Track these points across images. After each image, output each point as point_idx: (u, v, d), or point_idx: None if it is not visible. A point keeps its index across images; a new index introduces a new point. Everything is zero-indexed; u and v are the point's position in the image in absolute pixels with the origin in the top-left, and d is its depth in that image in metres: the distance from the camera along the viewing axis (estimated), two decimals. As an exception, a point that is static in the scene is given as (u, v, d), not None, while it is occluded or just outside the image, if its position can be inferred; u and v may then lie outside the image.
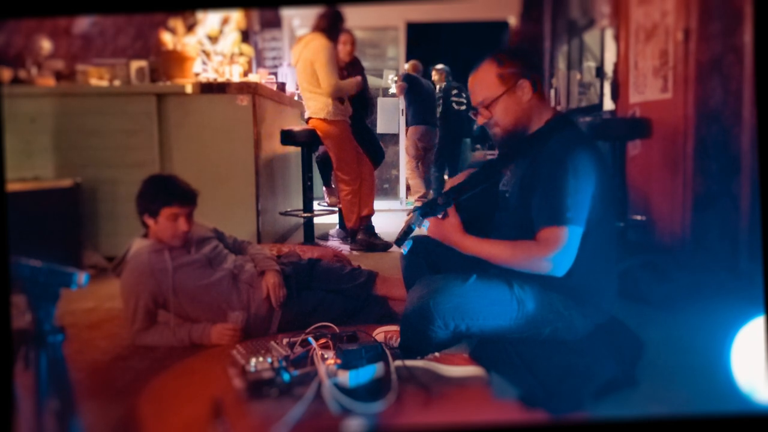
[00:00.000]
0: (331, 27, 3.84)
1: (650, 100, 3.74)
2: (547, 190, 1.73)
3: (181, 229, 2.21)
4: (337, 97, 3.85)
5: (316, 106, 3.85)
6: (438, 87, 6.28)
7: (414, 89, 5.90)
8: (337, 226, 4.43)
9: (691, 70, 3.28)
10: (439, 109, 6.22)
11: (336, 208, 4.40)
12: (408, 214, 5.82)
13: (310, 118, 3.91)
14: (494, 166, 1.95)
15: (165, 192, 2.21)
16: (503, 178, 1.95)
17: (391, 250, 3.93)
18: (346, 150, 3.94)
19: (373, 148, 4.20)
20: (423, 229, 1.78)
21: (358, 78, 4.03)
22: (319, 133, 3.85)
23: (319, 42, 3.78)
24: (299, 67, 3.88)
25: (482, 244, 1.78)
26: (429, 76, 6.36)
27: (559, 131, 1.80)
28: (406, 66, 6.15)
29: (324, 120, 3.84)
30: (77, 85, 3.68)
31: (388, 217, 5.44)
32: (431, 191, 6.19)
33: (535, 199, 1.76)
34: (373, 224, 4.10)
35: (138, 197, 2.23)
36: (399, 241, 1.80)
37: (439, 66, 6.41)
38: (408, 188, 6.49)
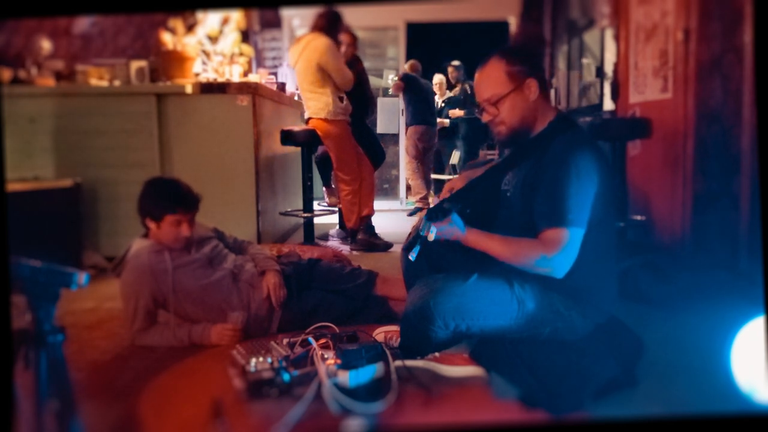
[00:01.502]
0: (330, 26, 3.84)
1: (650, 100, 3.74)
2: (549, 192, 1.73)
3: (184, 234, 2.20)
4: (351, 88, 3.90)
5: (316, 106, 3.85)
6: (465, 86, 6.28)
7: (412, 89, 5.90)
8: (337, 226, 4.43)
9: (691, 70, 3.28)
10: (465, 111, 6.24)
11: (336, 208, 4.40)
12: (408, 215, 5.83)
13: (310, 119, 3.91)
14: (498, 169, 1.94)
15: (169, 198, 2.19)
16: (505, 178, 1.95)
17: (391, 250, 3.93)
18: (347, 150, 3.94)
19: (373, 149, 4.20)
20: (431, 234, 1.73)
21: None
22: (319, 132, 3.85)
23: (322, 41, 3.77)
24: (300, 67, 3.87)
25: (484, 239, 1.77)
26: (430, 76, 6.36)
27: (561, 133, 1.80)
28: (406, 66, 6.15)
29: (325, 120, 3.84)
30: (77, 85, 3.67)
31: (388, 217, 5.44)
32: (432, 191, 6.19)
33: (537, 201, 1.76)
34: (374, 224, 4.10)
35: (140, 200, 2.22)
36: (408, 248, 1.77)
37: (456, 62, 6.38)
38: (408, 188, 6.49)
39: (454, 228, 1.75)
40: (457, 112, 6.31)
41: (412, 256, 1.77)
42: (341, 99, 3.89)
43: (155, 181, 2.32)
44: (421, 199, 5.98)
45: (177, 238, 2.20)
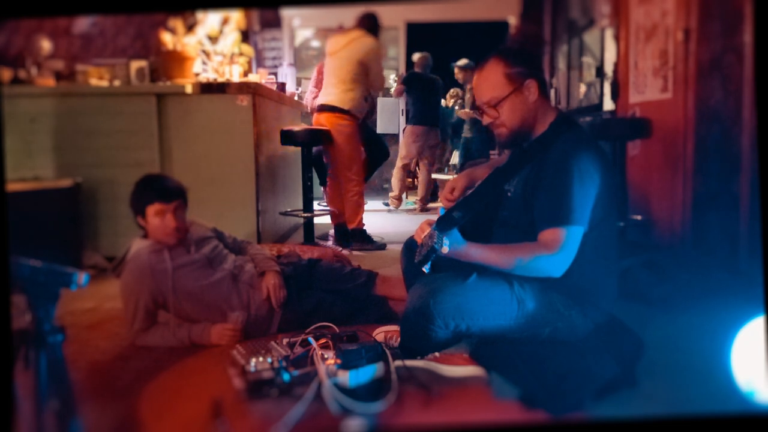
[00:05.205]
0: (376, 27, 3.98)
1: (650, 100, 3.74)
2: (550, 193, 1.73)
3: (170, 226, 2.19)
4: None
5: (344, 98, 3.91)
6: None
7: (413, 88, 5.87)
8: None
9: (691, 70, 3.28)
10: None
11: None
12: (410, 209, 5.83)
13: (327, 109, 3.92)
14: (502, 173, 1.93)
15: (147, 190, 2.22)
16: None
17: (391, 249, 3.93)
18: (356, 148, 4.03)
19: (378, 147, 4.28)
20: (446, 248, 1.67)
21: None
22: (330, 125, 3.89)
23: (373, 41, 3.92)
24: (340, 56, 3.93)
25: (485, 253, 1.74)
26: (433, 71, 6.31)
27: (562, 134, 1.80)
28: (414, 58, 6.04)
29: (347, 113, 3.90)
30: (77, 85, 3.67)
31: (389, 217, 5.44)
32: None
33: (538, 201, 1.75)
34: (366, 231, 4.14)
35: (129, 200, 2.25)
36: (421, 263, 1.73)
37: (461, 63, 5.93)
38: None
39: (455, 244, 1.72)
40: (467, 112, 6.17)
41: (426, 269, 1.73)
42: (366, 99, 3.99)
43: (140, 178, 2.32)
44: (420, 199, 5.96)
45: (165, 231, 2.20)
